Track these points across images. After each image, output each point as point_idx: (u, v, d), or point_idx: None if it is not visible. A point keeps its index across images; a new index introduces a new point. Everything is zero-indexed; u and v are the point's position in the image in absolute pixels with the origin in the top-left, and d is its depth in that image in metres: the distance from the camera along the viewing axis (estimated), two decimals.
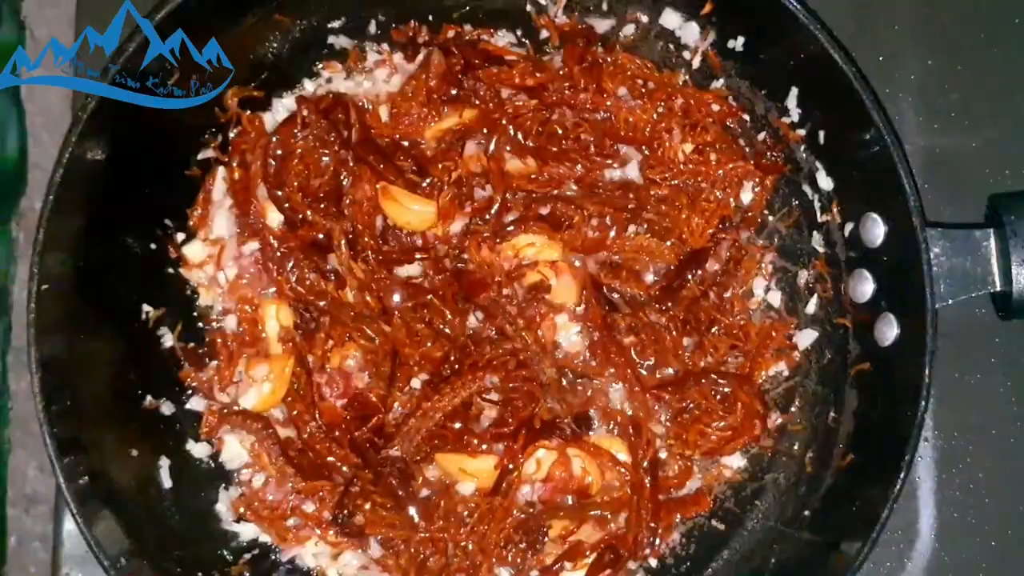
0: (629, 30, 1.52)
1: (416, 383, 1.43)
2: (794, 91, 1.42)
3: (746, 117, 1.50)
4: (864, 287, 1.38)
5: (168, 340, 1.46)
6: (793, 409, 1.48)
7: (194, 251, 1.48)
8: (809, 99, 1.42)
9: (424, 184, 1.44)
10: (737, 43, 1.46)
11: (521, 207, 1.45)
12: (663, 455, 1.46)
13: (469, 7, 1.52)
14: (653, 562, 1.47)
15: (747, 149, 1.50)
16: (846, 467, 1.37)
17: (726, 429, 1.44)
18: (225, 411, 1.44)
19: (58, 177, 1.27)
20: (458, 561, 1.39)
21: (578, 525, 1.42)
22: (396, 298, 1.42)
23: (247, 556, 1.43)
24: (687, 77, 1.52)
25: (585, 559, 1.40)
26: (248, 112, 1.48)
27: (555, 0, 1.51)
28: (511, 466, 1.38)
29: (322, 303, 1.43)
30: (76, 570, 1.48)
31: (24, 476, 1.62)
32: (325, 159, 1.45)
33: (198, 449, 1.46)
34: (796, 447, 1.47)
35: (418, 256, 1.45)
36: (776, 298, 1.51)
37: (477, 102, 1.47)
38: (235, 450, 1.46)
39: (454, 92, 1.47)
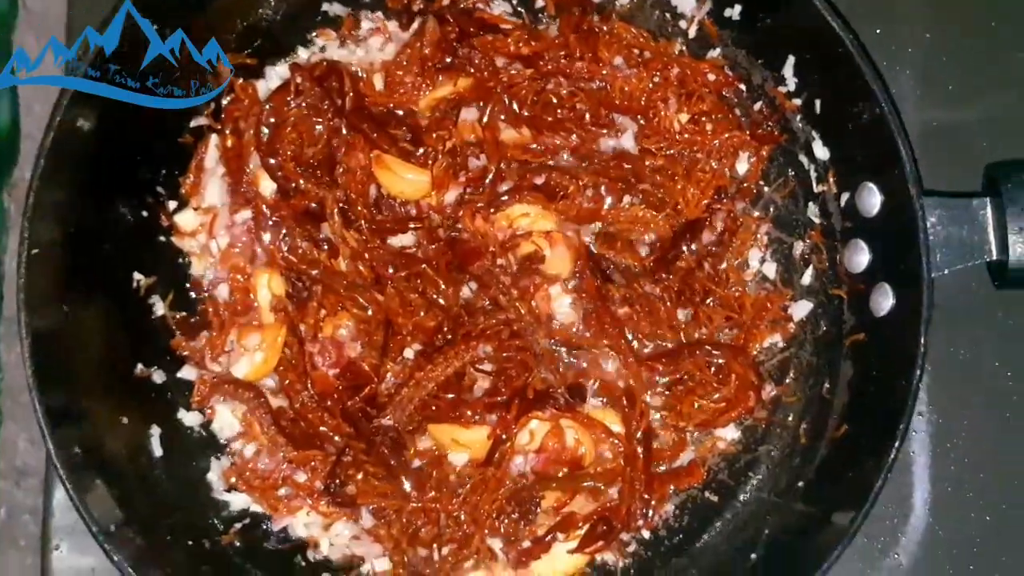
0: None
1: (409, 353, 1.42)
2: (791, 60, 1.42)
3: (742, 87, 1.50)
4: (860, 257, 1.37)
5: (160, 309, 1.45)
6: (787, 380, 1.48)
7: (186, 219, 1.47)
8: (806, 68, 1.41)
9: (418, 153, 1.43)
10: (734, 12, 1.45)
11: (515, 177, 1.45)
12: (657, 427, 1.45)
13: None
14: (646, 533, 1.46)
15: (743, 119, 1.49)
16: (840, 438, 1.37)
17: (720, 401, 1.44)
18: (217, 380, 1.43)
19: (48, 142, 1.27)
20: (450, 531, 1.39)
21: (571, 496, 1.41)
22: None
23: (238, 525, 1.42)
24: (683, 46, 1.51)
25: (578, 530, 1.40)
26: (241, 79, 1.47)
27: None
28: (504, 436, 1.38)
29: (315, 272, 1.43)
30: (66, 542, 1.48)
31: (15, 448, 1.60)
32: (318, 127, 1.45)
33: (189, 418, 1.45)
34: (790, 418, 1.47)
35: (412, 226, 1.45)
36: (771, 269, 1.50)
37: (472, 71, 1.45)
38: (227, 419, 1.45)
39: (449, 61, 1.46)
